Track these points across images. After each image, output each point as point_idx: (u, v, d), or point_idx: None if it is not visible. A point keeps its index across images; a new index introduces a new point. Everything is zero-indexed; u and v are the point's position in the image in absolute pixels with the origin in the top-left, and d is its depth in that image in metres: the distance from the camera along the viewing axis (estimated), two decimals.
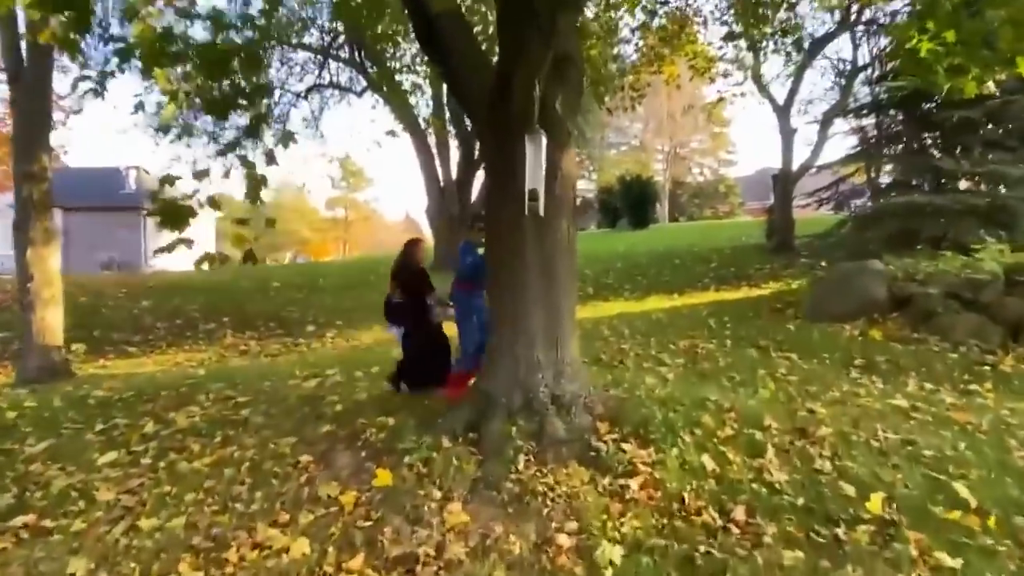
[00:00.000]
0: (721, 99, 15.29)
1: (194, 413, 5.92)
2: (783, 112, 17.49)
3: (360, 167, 68.88)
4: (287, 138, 4.65)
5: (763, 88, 17.15)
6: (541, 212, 3.96)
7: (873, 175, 19.11)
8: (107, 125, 18.77)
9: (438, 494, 3.74)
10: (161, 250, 4.75)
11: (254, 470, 4.41)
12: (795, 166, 17.21)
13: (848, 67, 19.15)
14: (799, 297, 9.80)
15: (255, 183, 4.43)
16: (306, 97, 18.39)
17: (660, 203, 35.73)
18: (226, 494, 4.10)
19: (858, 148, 17.11)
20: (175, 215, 4.57)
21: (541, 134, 3.92)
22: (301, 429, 5.11)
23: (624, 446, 4.13)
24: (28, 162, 8.79)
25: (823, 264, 12.57)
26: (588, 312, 11.54)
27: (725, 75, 14.94)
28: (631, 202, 26.74)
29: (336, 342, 10.91)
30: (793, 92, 17.42)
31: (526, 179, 3.91)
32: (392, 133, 8.65)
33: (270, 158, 4.81)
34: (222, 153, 4.79)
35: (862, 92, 18.60)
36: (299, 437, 4.95)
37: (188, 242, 4.73)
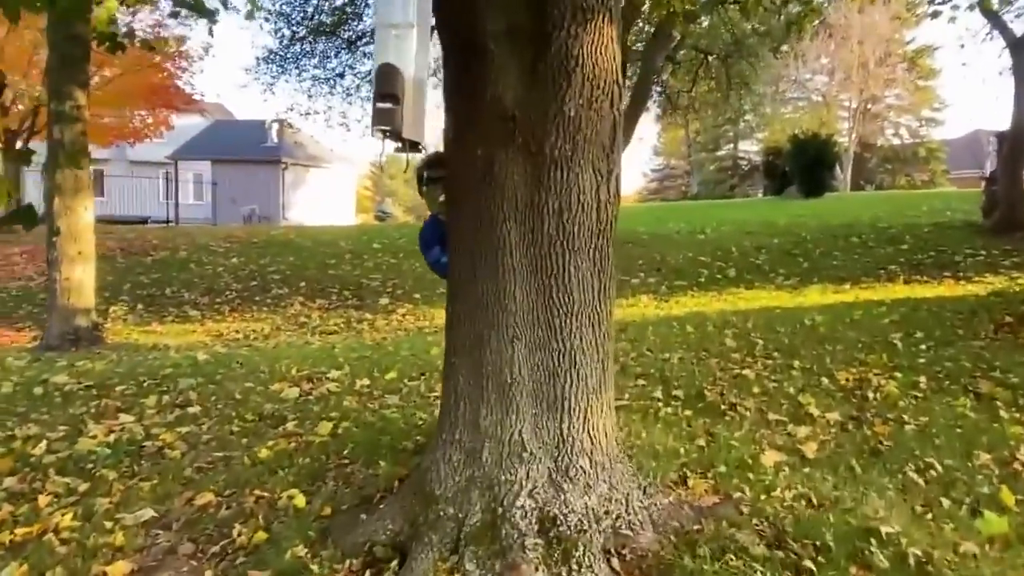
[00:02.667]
0: (936, 14, 11.15)
1: (120, 427, 4.40)
2: (1019, 48, 13.11)
3: None
4: None
5: (992, 13, 12.87)
6: (403, 130, 1.68)
7: None
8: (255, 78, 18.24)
9: None
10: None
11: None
12: None
13: None
14: None
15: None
16: None
17: (841, 167, 30.64)
18: None
19: None
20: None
21: None
22: (181, 492, 3.29)
23: None
24: (60, 101, 7.72)
25: None
26: (717, 304, 8.88)
27: None
28: (803, 165, 22.58)
29: (404, 320, 9.19)
30: None
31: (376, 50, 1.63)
32: None
33: None
34: None
35: None
36: (167, 509, 3.14)
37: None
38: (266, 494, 3.14)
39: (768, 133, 38.44)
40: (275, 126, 25.70)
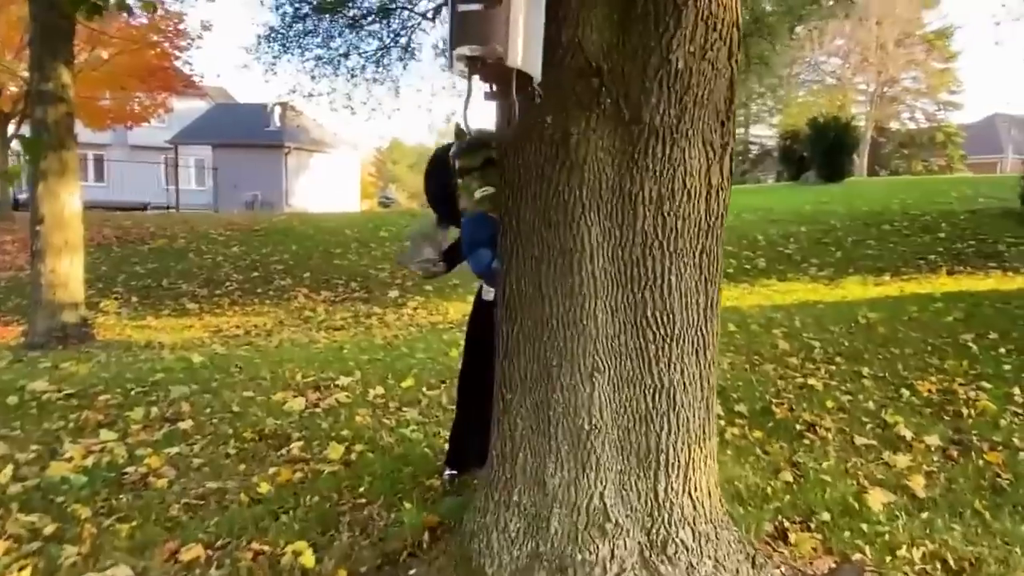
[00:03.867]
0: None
1: (100, 447, 3.82)
2: None
3: None
4: None
5: None
6: (507, 55, 1.05)
7: None
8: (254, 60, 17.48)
9: None
10: None
11: None
12: None
13: None
14: None
15: None
16: (434, 19, 16.01)
17: (858, 153, 29.79)
18: None
19: None
20: None
21: None
22: (164, 541, 2.71)
23: None
24: (44, 79, 7.10)
25: None
26: (751, 298, 8.27)
27: None
28: (823, 149, 21.79)
29: (416, 315, 8.60)
30: None
31: None
32: None
33: None
34: None
35: None
36: (144, 565, 2.55)
37: None
38: (266, 548, 2.56)
39: (783, 117, 37.50)
40: (277, 109, 24.97)
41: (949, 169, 35.73)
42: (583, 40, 1.64)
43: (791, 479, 2.98)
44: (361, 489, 2.97)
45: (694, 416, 1.83)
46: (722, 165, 1.76)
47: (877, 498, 2.80)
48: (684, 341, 1.79)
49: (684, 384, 1.80)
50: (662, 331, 1.76)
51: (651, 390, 1.78)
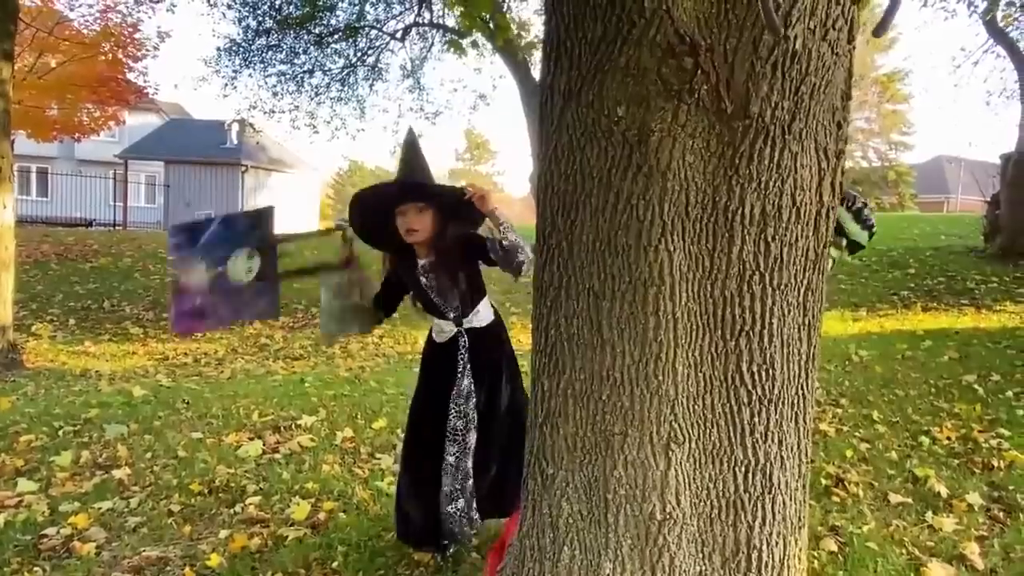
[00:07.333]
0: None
1: (16, 501, 3.31)
2: None
3: (485, 138, 66.80)
4: None
5: (996, 29, 12.45)
6: None
7: None
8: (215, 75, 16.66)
9: None
10: None
11: None
12: None
13: None
14: None
15: None
16: (402, 39, 15.69)
17: None
18: None
19: None
20: None
21: None
22: None
23: None
24: None
25: None
26: None
27: None
28: None
29: (382, 344, 8.07)
30: None
31: None
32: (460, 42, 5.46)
33: None
34: None
35: None
36: None
37: None
38: None
39: None
40: (235, 126, 24.17)
41: (900, 207, 36.84)
42: (672, 7, 1.25)
43: (835, 548, 2.60)
44: (335, 564, 2.47)
45: (791, 500, 1.42)
46: (834, 178, 1.38)
47: (936, 572, 2.43)
48: (783, 403, 1.39)
49: (782, 459, 1.40)
50: (759, 390, 1.35)
51: (743, 467, 1.37)
